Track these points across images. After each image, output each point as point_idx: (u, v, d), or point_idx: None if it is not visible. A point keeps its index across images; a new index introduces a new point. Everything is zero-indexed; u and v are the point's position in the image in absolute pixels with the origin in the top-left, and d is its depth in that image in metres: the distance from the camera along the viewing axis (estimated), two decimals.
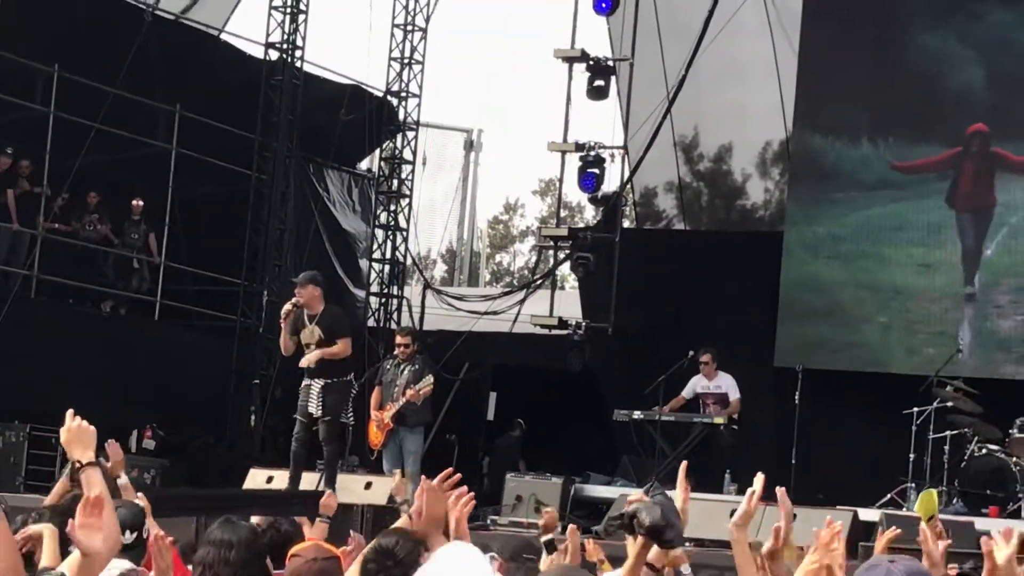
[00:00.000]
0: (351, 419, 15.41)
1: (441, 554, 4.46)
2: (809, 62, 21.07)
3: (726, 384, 18.18)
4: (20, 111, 18.76)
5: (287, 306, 14.70)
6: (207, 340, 20.41)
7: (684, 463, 6.29)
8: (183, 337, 20.22)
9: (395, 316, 23.48)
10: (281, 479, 14.96)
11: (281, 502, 12.74)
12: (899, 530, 7.72)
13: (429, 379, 16.10)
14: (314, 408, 14.64)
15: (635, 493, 9.16)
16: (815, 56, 21.05)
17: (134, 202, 20.47)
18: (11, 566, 5.06)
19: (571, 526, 7.61)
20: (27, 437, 16.69)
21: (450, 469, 5.80)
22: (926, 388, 17.48)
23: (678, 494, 6.11)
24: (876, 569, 4.36)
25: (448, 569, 4.22)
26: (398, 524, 6.17)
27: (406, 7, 23.73)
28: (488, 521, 16.39)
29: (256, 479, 15.79)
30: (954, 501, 16.44)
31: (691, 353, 18.10)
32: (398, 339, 16.93)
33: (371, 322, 22.95)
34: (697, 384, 18.24)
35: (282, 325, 14.83)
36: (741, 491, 15.95)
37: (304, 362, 14.59)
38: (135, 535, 6.40)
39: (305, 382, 14.82)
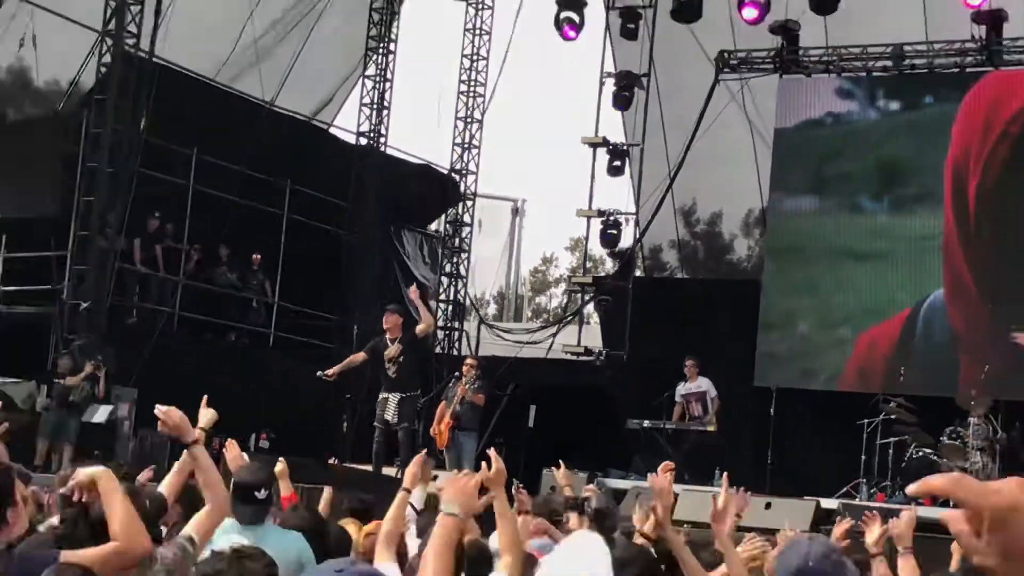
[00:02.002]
0: (418, 426, 15.45)
1: (570, 538, 4.06)
2: (783, 142, 21.11)
3: (704, 384, 18.12)
4: (166, 185, 18.85)
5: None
6: (309, 364, 20.44)
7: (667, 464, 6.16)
8: (291, 362, 20.26)
9: (457, 345, 23.52)
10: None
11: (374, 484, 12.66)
12: (852, 520, 7.65)
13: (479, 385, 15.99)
14: (391, 416, 14.63)
15: (590, 487, 9.34)
16: (786, 136, 21.09)
17: (254, 256, 20.56)
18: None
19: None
20: (169, 446, 16.42)
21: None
22: (874, 404, 17.46)
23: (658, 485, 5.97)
24: (798, 545, 4.31)
25: (573, 551, 3.90)
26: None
27: (467, 104, 23.89)
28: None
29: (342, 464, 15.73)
30: (896, 493, 16.35)
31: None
32: (469, 361, 16.78)
33: (437, 350, 22.97)
34: (681, 388, 18.18)
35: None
36: (732, 482, 15.88)
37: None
38: (267, 492, 6.34)
39: (383, 395, 14.81)
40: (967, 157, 19.40)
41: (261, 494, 6.21)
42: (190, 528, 5.39)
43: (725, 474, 6.21)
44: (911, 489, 1.88)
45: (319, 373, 15.28)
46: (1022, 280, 18.62)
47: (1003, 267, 19.06)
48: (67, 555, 4.73)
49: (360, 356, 15.17)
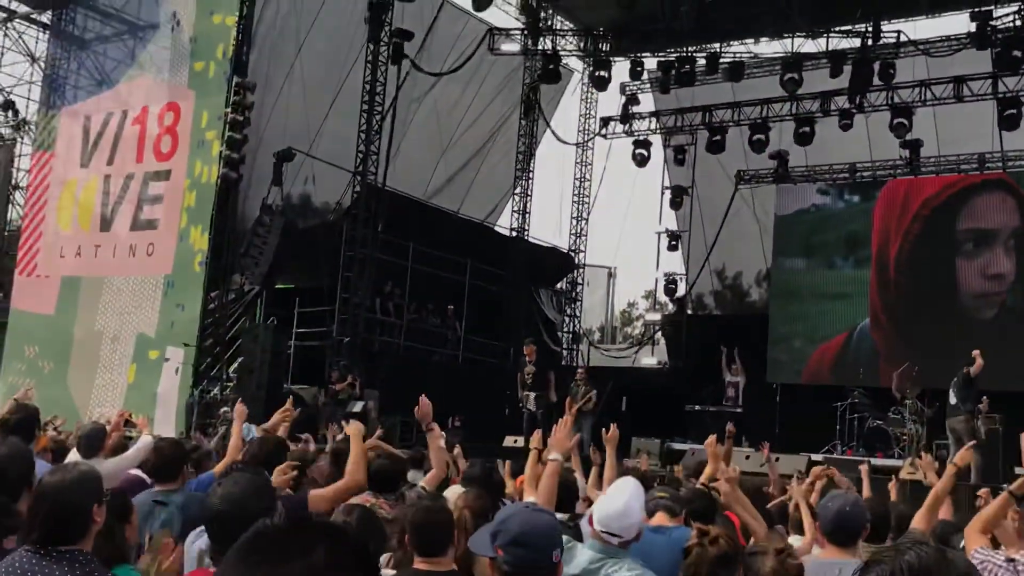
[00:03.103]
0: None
1: (617, 483, 3.75)
2: (781, 224, 20.90)
3: (741, 380, 17.70)
4: (394, 265, 19.09)
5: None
6: (484, 374, 20.62)
7: (712, 436, 5.99)
8: (473, 372, 20.44)
9: (576, 360, 23.48)
10: (520, 442, 14.94)
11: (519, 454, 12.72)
12: (829, 468, 7.44)
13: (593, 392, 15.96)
14: (531, 406, 14.83)
15: (678, 467, 9.08)
16: (783, 220, 20.87)
17: (448, 307, 20.81)
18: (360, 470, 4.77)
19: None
20: (399, 425, 15.70)
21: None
22: (844, 393, 17.15)
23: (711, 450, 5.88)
24: (838, 496, 4.18)
25: (616, 490, 3.61)
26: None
27: (578, 208, 24.00)
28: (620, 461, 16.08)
29: (508, 441, 15.78)
30: (859, 450, 15.97)
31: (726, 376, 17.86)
32: (580, 370, 16.82)
33: (563, 363, 23.03)
34: (727, 377, 17.76)
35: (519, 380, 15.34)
36: (751, 445, 15.57)
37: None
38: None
39: (523, 393, 15.05)
40: (887, 231, 19.29)
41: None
42: (423, 481, 5.54)
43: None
44: None
45: (519, 399, 15.44)
46: (919, 316, 18.56)
47: (908, 307, 18.91)
48: (313, 493, 4.52)
49: (520, 377, 15.37)
